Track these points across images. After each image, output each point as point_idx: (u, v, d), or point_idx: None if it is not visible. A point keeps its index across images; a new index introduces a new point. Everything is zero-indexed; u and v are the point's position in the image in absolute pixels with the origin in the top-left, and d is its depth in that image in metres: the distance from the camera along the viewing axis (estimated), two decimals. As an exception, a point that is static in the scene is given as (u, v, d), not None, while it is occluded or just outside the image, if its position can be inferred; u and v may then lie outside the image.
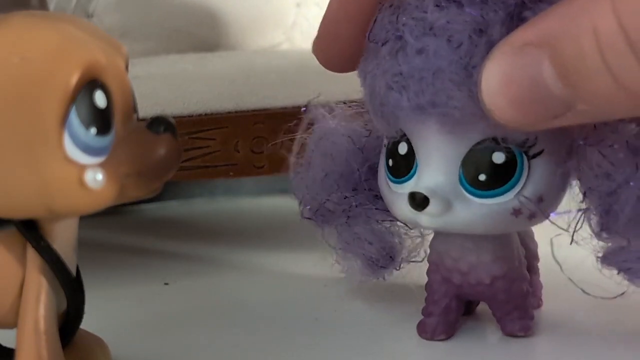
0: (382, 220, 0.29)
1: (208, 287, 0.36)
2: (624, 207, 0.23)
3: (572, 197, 0.26)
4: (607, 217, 0.24)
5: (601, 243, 0.25)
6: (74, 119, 0.21)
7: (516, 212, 0.25)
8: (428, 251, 0.29)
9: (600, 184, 0.24)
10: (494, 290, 0.28)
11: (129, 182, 0.22)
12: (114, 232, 0.44)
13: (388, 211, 0.28)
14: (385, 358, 0.29)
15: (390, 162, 0.27)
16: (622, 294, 0.26)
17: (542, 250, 0.30)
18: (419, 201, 0.25)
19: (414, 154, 0.26)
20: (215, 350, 0.30)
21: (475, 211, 0.25)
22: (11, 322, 0.23)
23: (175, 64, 0.44)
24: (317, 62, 0.28)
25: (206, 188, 0.49)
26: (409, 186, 0.26)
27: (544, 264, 0.30)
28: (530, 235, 0.31)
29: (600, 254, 0.25)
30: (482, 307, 0.30)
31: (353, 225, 0.29)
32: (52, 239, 0.23)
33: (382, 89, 0.24)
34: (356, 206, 0.29)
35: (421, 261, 0.30)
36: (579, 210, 0.25)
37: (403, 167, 0.26)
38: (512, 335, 0.28)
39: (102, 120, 0.22)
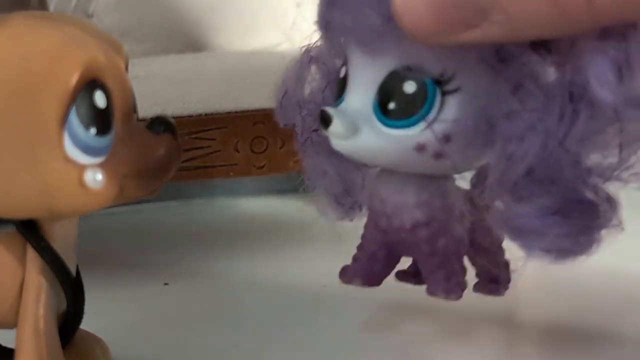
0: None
1: (208, 288, 0.36)
2: (524, 153, 0.22)
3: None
4: (506, 165, 0.22)
5: (496, 201, 0.23)
6: (74, 119, 0.21)
7: (419, 148, 0.24)
8: None
9: (505, 125, 0.22)
10: (416, 238, 0.26)
11: (128, 182, 0.22)
12: (114, 232, 0.44)
13: None
14: (385, 357, 0.29)
15: (337, 86, 0.26)
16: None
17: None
18: (322, 118, 0.24)
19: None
20: (215, 350, 0.30)
21: (381, 140, 0.24)
22: (11, 322, 0.23)
23: (175, 64, 0.44)
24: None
25: (206, 188, 0.49)
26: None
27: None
28: None
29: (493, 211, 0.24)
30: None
31: (317, 154, 0.28)
32: (52, 239, 0.23)
33: (323, 4, 0.24)
34: (315, 132, 0.28)
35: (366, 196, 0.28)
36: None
37: (340, 90, 0.25)
38: (433, 295, 0.27)
39: (102, 120, 0.22)
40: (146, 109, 0.25)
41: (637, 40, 0.20)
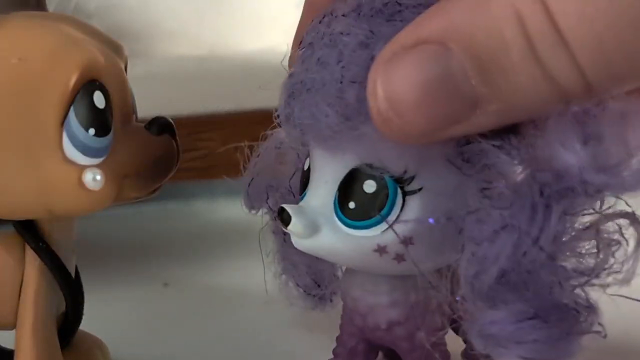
0: None
1: (207, 288, 0.36)
2: (497, 256, 0.20)
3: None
4: (478, 269, 0.21)
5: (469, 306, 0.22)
6: (73, 119, 0.21)
7: (380, 250, 0.22)
8: None
9: (476, 229, 0.21)
10: (393, 337, 0.25)
11: (127, 182, 0.22)
12: (113, 232, 0.44)
13: None
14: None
15: (300, 177, 0.25)
16: None
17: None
18: (283, 217, 0.23)
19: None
20: (215, 351, 0.30)
21: (341, 240, 0.23)
22: (11, 323, 0.23)
23: (175, 64, 0.44)
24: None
25: (206, 188, 0.49)
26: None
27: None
28: None
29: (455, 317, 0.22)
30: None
31: (287, 244, 0.27)
32: (51, 240, 0.23)
33: (285, 95, 0.23)
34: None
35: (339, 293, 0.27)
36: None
37: (304, 183, 0.24)
38: None
39: (101, 121, 0.22)
40: (146, 110, 0.25)
41: (600, 103, 0.19)
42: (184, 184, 0.46)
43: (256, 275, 0.38)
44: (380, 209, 0.22)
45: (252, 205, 0.28)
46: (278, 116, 0.23)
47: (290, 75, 0.22)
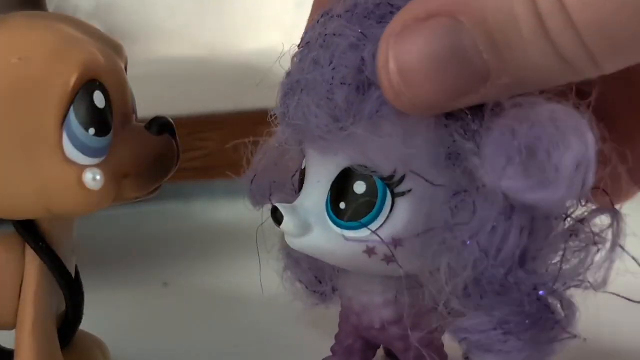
0: None
1: (207, 288, 0.36)
2: (462, 268, 0.20)
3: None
4: (449, 275, 0.21)
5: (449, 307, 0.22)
6: (73, 119, 0.21)
7: (369, 251, 0.22)
8: None
9: (445, 236, 0.21)
10: (387, 336, 0.25)
11: (127, 183, 0.22)
12: (113, 232, 0.44)
13: None
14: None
15: (298, 176, 0.25)
16: None
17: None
18: (277, 216, 0.23)
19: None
20: (215, 351, 0.30)
21: (332, 240, 0.23)
22: (10, 323, 0.23)
23: (176, 64, 0.44)
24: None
25: (206, 188, 0.49)
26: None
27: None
28: None
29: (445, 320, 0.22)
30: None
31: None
32: (51, 240, 0.23)
33: (280, 95, 0.23)
34: None
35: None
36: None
37: (301, 182, 0.24)
38: None
39: (100, 120, 0.22)
40: (146, 110, 0.25)
41: (528, 119, 0.19)
42: (184, 184, 0.46)
43: (256, 275, 0.38)
44: (370, 210, 0.22)
45: (256, 202, 0.28)
46: (275, 115, 0.24)
47: (288, 75, 0.23)
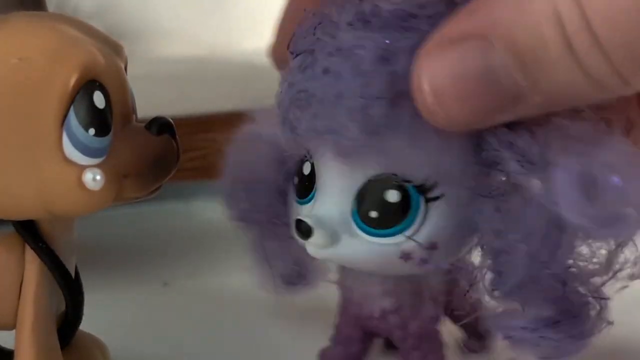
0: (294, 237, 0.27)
1: (208, 287, 0.36)
2: (513, 271, 0.21)
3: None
4: (497, 277, 0.22)
5: (494, 302, 0.23)
6: (73, 119, 0.21)
7: (405, 256, 0.23)
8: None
9: (491, 241, 0.22)
10: (387, 325, 0.26)
11: (127, 183, 0.22)
12: (114, 232, 0.44)
13: None
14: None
15: (296, 180, 0.25)
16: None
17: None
18: (303, 230, 0.23)
19: (315, 175, 0.24)
20: (215, 351, 0.30)
21: (363, 248, 0.23)
22: (10, 323, 0.23)
23: (175, 64, 0.44)
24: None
25: (206, 188, 0.49)
26: (305, 210, 0.24)
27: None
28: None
29: (487, 314, 0.23)
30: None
31: (266, 237, 0.28)
32: (50, 240, 0.23)
33: (285, 103, 0.23)
34: (268, 219, 0.27)
35: (335, 281, 0.28)
36: (474, 265, 0.23)
37: (305, 188, 0.24)
38: None
39: (100, 121, 0.21)
40: (146, 110, 0.25)
41: (600, 156, 0.20)
42: (184, 184, 0.46)
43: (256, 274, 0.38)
44: (404, 217, 0.22)
45: (234, 205, 0.28)
46: (280, 123, 0.23)
47: (290, 84, 0.22)
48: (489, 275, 0.22)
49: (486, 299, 0.23)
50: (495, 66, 0.19)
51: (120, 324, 0.31)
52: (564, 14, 0.18)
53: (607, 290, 0.22)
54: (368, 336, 0.28)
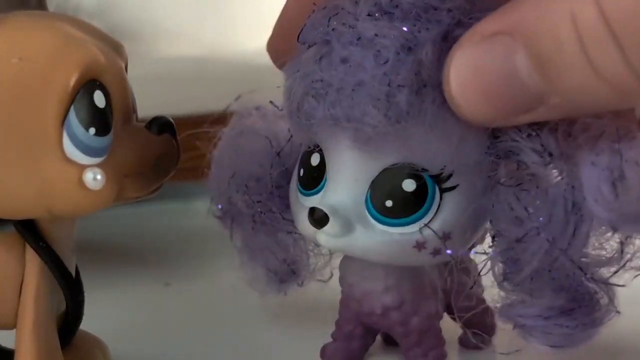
0: (290, 232, 0.27)
1: (208, 288, 0.36)
2: (530, 258, 0.21)
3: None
4: (512, 266, 0.22)
5: (502, 293, 0.23)
6: (73, 119, 0.21)
7: (419, 246, 0.23)
8: (336, 270, 0.27)
9: (509, 229, 0.22)
10: (388, 321, 0.26)
11: (128, 182, 0.22)
12: (114, 232, 0.44)
13: None
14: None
15: (302, 172, 0.25)
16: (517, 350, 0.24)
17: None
18: (318, 218, 0.23)
19: (325, 166, 0.24)
20: (215, 351, 0.30)
21: (377, 238, 0.23)
22: (11, 322, 0.23)
23: (175, 64, 0.44)
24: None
25: (206, 189, 0.49)
26: (315, 200, 0.24)
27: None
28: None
29: (498, 304, 0.23)
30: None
31: (258, 232, 0.28)
32: (51, 240, 0.23)
33: (299, 93, 0.23)
34: (263, 213, 0.27)
35: (326, 280, 0.28)
36: (485, 254, 0.23)
37: (313, 179, 0.24)
38: None
39: (101, 120, 0.21)
40: (146, 109, 0.25)
41: (630, 154, 0.20)
42: (184, 184, 0.46)
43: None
44: (420, 207, 0.23)
45: (220, 196, 0.28)
46: (290, 113, 0.23)
47: (303, 75, 0.22)
48: (499, 266, 0.23)
49: (493, 291, 0.23)
50: (518, 65, 0.19)
51: (121, 323, 0.31)
52: (578, 12, 0.18)
53: (618, 280, 0.22)
54: (369, 332, 0.28)
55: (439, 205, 0.23)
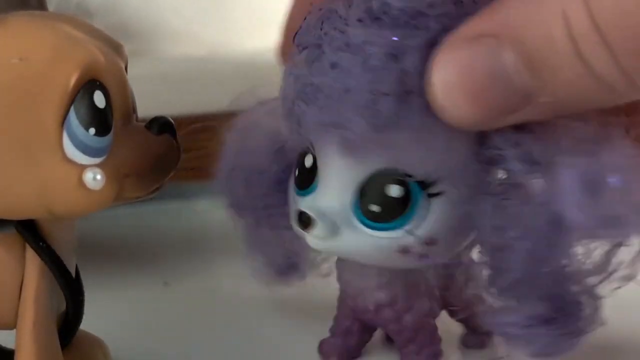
0: (290, 227, 0.27)
1: (208, 287, 0.36)
2: (512, 267, 0.21)
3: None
4: (496, 273, 0.22)
5: (490, 299, 0.23)
6: (73, 119, 0.21)
7: (404, 250, 0.23)
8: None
9: (491, 237, 0.22)
10: (381, 318, 0.26)
11: (128, 182, 0.22)
12: (113, 232, 0.44)
13: None
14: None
15: (297, 172, 0.25)
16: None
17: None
18: (304, 221, 0.23)
19: (317, 168, 0.24)
20: (215, 351, 0.30)
21: (362, 241, 0.23)
22: (11, 322, 0.23)
23: (176, 64, 0.44)
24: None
25: (206, 188, 0.49)
26: (307, 201, 0.24)
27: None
28: None
29: (483, 311, 0.23)
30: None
31: (260, 226, 0.28)
32: (51, 240, 0.23)
33: (291, 95, 0.23)
34: (264, 208, 0.27)
35: (326, 276, 0.28)
36: (472, 261, 0.24)
37: (306, 180, 0.24)
38: None
39: (101, 120, 0.21)
40: (146, 109, 0.25)
41: (608, 157, 0.20)
42: (184, 184, 0.46)
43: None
44: (404, 212, 0.23)
45: (230, 189, 0.28)
46: (284, 116, 0.23)
47: (296, 78, 0.23)
48: (486, 272, 0.23)
49: (483, 295, 0.23)
50: (504, 66, 0.19)
51: (121, 323, 0.31)
52: (569, 11, 0.18)
53: (602, 290, 0.22)
54: (366, 328, 0.28)
55: (425, 211, 0.23)
